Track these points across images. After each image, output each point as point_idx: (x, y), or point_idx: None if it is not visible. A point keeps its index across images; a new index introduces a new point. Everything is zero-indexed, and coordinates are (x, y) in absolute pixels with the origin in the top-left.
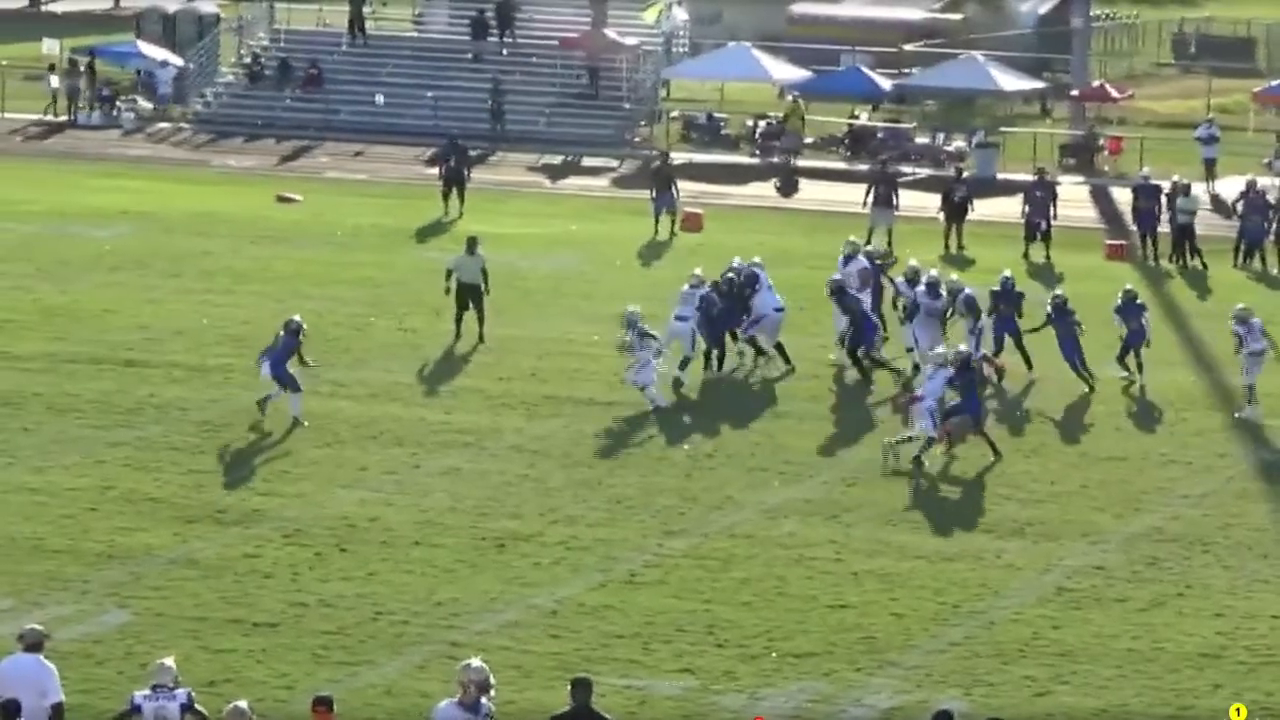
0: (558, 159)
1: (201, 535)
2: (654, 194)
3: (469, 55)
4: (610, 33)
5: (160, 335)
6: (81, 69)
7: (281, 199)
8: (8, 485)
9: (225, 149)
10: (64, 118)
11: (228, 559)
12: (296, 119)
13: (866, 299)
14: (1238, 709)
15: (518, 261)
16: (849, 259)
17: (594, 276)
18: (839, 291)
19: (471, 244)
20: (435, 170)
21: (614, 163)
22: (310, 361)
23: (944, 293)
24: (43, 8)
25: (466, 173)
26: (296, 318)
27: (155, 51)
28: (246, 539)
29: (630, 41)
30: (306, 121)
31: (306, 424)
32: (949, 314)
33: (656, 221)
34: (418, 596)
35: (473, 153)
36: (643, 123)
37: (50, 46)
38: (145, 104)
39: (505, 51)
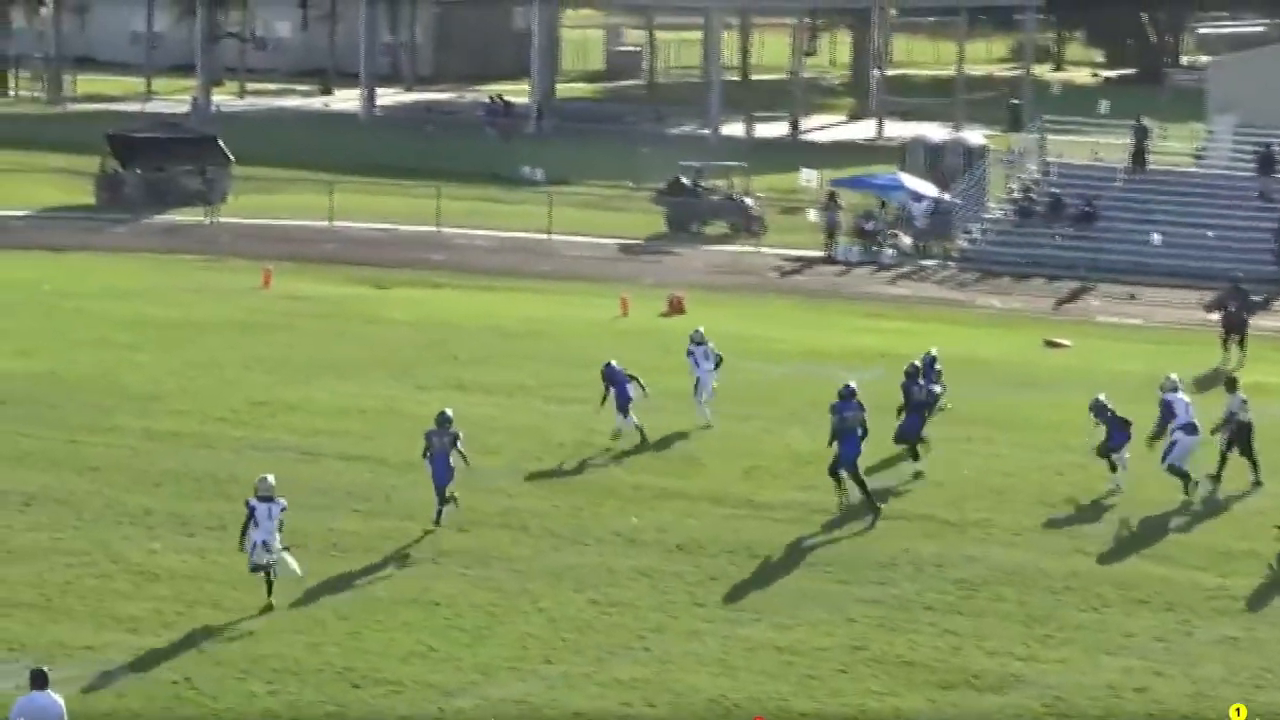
0: None
1: (956, 702)
2: None
3: (1254, 192)
4: None
5: (919, 486)
6: (840, 203)
7: (1049, 344)
8: (752, 642)
9: (991, 289)
10: (822, 253)
11: None
12: (1066, 258)
13: None
14: (1238, 709)
15: None
16: None
17: None
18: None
19: (1231, 384)
20: (1214, 315)
21: None
22: None
23: None
24: (802, 137)
25: (1248, 318)
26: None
27: (918, 184)
28: (1004, 707)
29: None
30: (1077, 261)
31: None
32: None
33: None
34: None
35: (1256, 297)
36: None
37: (808, 177)
38: (906, 239)
39: None
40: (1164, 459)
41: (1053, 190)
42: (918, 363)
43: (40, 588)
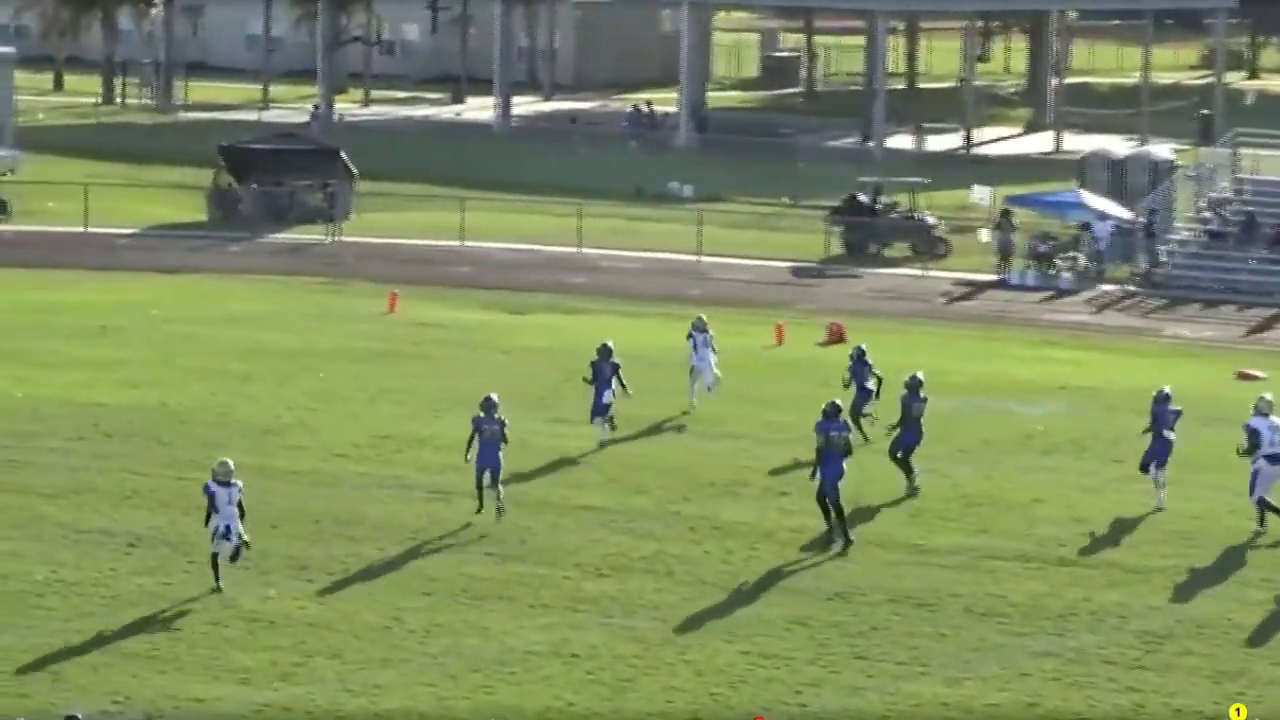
0: None
1: None
2: None
3: None
4: None
5: (1099, 530)
6: (1015, 222)
7: (1242, 376)
8: (918, 698)
9: (1179, 316)
10: (995, 276)
11: None
12: (1261, 283)
13: None
14: (1238, 709)
15: None
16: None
17: None
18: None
19: None
20: None
21: None
22: None
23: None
24: (975, 151)
25: None
26: None
27: (1099, 202)
28: None
29: None
30: (1273, 286)
31: None
32: None
33: None
34: None
35: None
36: None
37: (980, 194)
38: (1086, 262)
39: None
40: (1251, 492)
41: (1247, 209)
42: (920, 375)
43: (147, 635)
